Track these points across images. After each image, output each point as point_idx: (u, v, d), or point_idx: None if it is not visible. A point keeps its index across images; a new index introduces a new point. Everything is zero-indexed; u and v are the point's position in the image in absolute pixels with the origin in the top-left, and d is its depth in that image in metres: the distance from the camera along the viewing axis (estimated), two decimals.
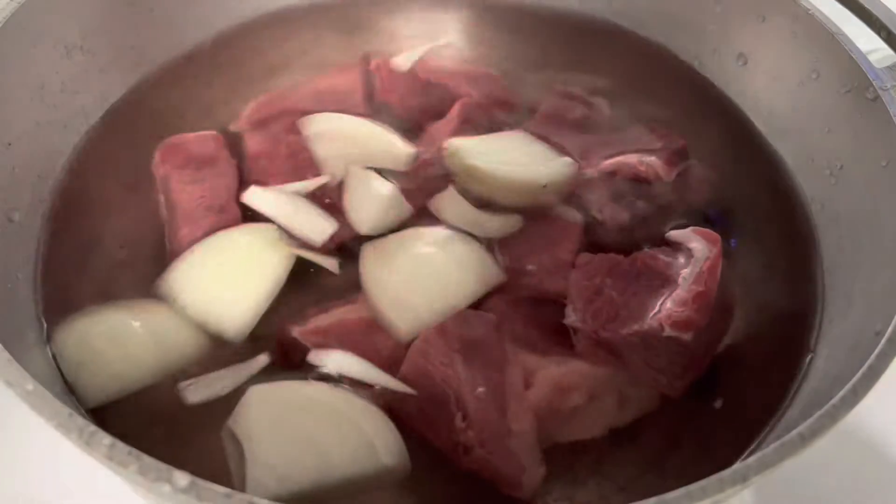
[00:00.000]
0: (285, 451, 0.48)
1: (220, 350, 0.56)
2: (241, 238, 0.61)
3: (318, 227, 0.62)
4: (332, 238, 0.62)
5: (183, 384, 0.52)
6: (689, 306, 0.54)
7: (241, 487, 0.47)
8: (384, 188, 0.65)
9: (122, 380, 0.53)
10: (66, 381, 0.53)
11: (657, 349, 0.54)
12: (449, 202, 0.65)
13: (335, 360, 0.54)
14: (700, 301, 0.54)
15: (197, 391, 0.52)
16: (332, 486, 0.48)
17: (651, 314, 0.55)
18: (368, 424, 0.51)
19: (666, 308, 0.54)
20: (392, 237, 0.62)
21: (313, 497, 0.47)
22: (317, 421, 0.50)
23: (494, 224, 0.64)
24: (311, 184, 0.66)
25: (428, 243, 0.60)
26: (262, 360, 0.53)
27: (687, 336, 0.54)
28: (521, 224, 0.64)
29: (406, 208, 0.65)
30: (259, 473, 0.47)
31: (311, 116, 0.70)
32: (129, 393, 0.53)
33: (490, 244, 0.62)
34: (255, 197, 0.64)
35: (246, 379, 0.53)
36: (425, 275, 0.58)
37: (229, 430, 0.50)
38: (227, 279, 0.58)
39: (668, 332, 0.54)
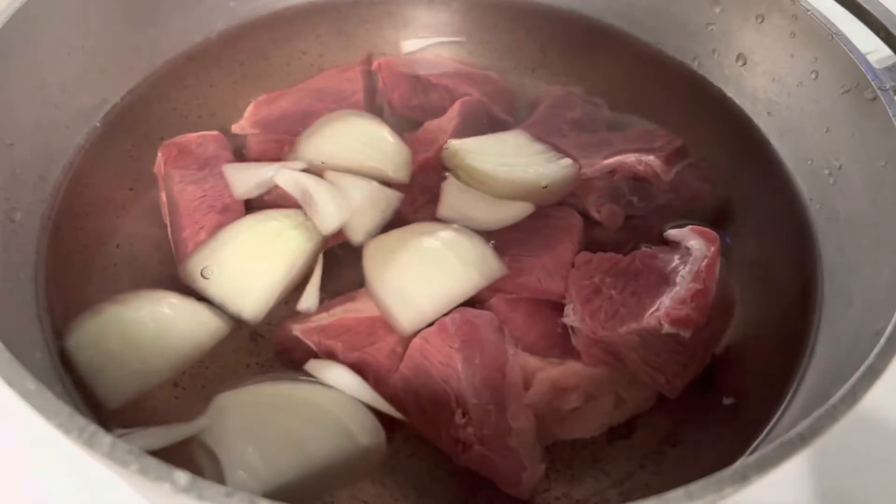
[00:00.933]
0: (262, 451, 0.48)
1: (227, 342, 0.57)
2: (269, 222, 0.61)
3: (329, 215, 0.62)
4: (331, 237, 0.63)
5: (117, 432, 0.50)
6: (688, 304, 0.54)
7: None
8: (357, 194, 0.64)
9: (140, 377, 0.54)
10: (83, 385, 0.53)
11: (656, 347, 0.54)
12: (451, 191, 0.65)
13: (333, 375, 0.54)
14: (698, 299, 0.55)
15: (128, 442, 0.50)
16: (316, 477, 0.48)
17: (649, 312, 0.55)
18: (340, 409, 0.51)
19: (664, 306, 0.55)
20: (395, 233, 0.62)
21: (300, 491, 0.47)
22: (289, 415, 0.50)
23: (500, 213, 0.64)
24: (286, 167, 0.66)
25: (430, 238, 0.60)
26: (202, 422, 0.51)
27: (685, 334, 0.54)
28: (532, 210, 0.64)
29: (393, 197, 0.65)
30: (239, 477, 0.47)
31: (305, 139, 0.69)
32: (148, 389, 0.54)
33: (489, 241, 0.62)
34: (282, 175, 0.64)
35: (179, 440, 0.50)
36: (427, 269, 0.58)
37: (200, 443, 0.50)
38: (251, 261, 0.59)
39: (666, 329, 0.54)
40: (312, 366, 0.54)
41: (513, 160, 0.67)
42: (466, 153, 0.66)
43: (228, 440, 0.49)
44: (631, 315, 0.55)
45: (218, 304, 0.58)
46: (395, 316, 0.57)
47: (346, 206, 0.63)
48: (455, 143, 0.67)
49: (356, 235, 0.63)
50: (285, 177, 0.65)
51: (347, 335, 0.56)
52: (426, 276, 0.58)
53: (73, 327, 0.55)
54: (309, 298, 0.59)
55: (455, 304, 0.57)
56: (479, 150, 0.67)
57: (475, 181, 0.66)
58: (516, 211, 0.65)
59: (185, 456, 0.50)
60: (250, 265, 0.59)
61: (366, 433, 0.50)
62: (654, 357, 0.55)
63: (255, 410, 0.51)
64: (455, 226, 0.62)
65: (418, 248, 0.59)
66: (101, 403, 0.52)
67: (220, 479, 0.48)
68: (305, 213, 0.63)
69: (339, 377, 0.54)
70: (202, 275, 0.59)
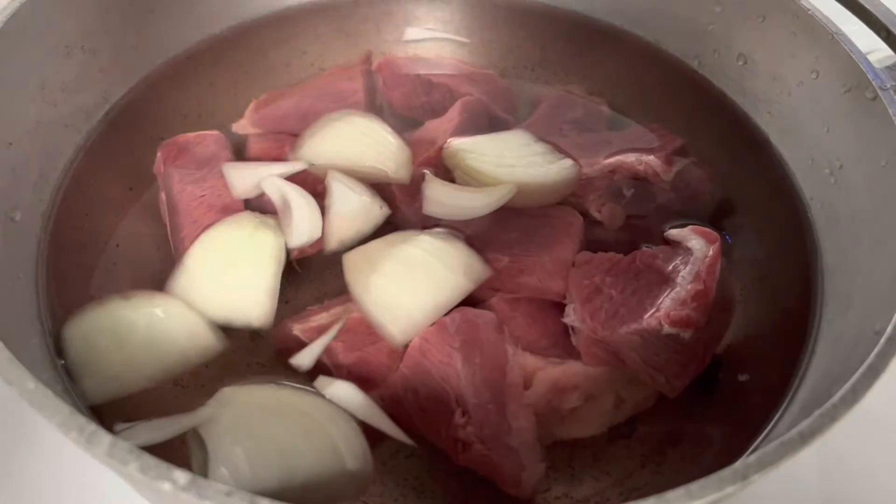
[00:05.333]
0: (249, 452, 0.48)
1: (219, 357, 0.57)
2: (227, 231, 0.61)
3: (299, 231, 0.62)
4: (307, 247, 0.62)
5: (119, 426, 0.50)
6: (688, 305, 0.54)
7: None
8: (342, 203, 0.64)
9: (119, 382, 0.53)
10: (69, 374, 0.53)
11: (656, 347, 0.54)
12: (431, 188, 0.65)
13: (339, 392, 0.53)
14: (699, 300, 0.55)
15: (131, 435, 0.50)
16: (296, 490, 0.48)
17: (650, 313, 0.55)
18: (335, 429, 0.51)
19: (665, 307, 0.55)
20: (374, 244, 0.61)
21: (277, 500, 0.47)
22: (283, 423, 0.50)
23: (485, 198, 0.64)
24: (286, 167, 0.66)
25: (411, 246, 0.59)
26: (205, 412, 0.51)
27: (686, 334, 0.54)
28: (514, 192, 0.64)
29: (378, 215, 0.64)
30: (222, 475, 0.47)
31: (306, 139, 0.69)
32: (125, 395, 0.53)
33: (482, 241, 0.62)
34: (268, 183, 0.64)
35: (184, 430, 0.51)
36: (413, 277, 0.58)
37: (195, 431, 0.50)
38: (232, 273, 0.58)
39: (666, 330, 0.54)
40: (322, 382, 0.54)
41: (513, 161, 0.67)
42: (466, 153, 0.66)
43: (221, 435, 0.49)
44: (631, 315, 0.55)
45: (222, 322, 0.57)
46: (387, 327, 0.56)
47: (319, 225, 0.63)
48: (455, 143, 0.67)
49: (329, 243, 0.63)
50: (271, 185, 0.64)
51: (347, 335, 0.56)
52: (413, 286, 0.57)
53: (73, 316, 0.55)
54: (307, 357, 0.56)
55: (445, 311, 0.57)
56: (479, 150, 0.67)
57: (475, 181, 0.66)
58: (499, 194, 0.64)
59: (179, 442, 0.50)
60: (235, 276, 0.58)
61: (354, 457, 0.50)
62: (654, 357, 0.55)
63: (252, 412, 0.51)
64: (435, 230, 0.62)
65: (401, 258, 0.58)
66: (80, 395, 0.52)
67: (204, 469, 0.48)
68: (257, 213, 0.63)
69: (347, 395, 0.53)
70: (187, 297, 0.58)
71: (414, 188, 0.67)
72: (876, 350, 0.43)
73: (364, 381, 0.54)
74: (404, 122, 0.74)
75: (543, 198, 0.66)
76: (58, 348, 0.54)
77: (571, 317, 0.57)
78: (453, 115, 0.72)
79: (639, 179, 0.68)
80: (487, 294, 0.59)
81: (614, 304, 0.56)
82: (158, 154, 0.67)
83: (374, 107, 0.75)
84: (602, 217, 0.65)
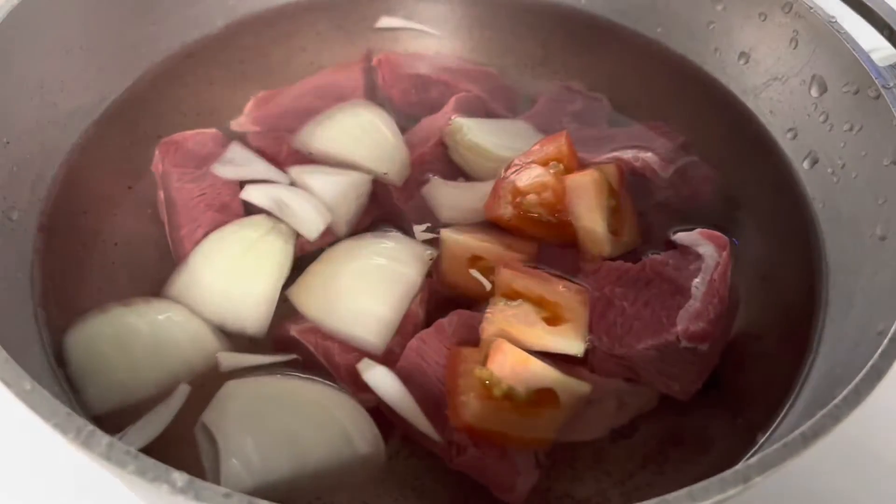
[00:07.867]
0: (260, 443, 0.48)
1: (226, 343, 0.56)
2: (238, 233, 0.61)
3: (311, 221, 0.62)
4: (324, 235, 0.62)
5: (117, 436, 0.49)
6: (704, 318, 0.53)
7: (216, 483, 0.46)
8: (330, 190, 0.64)
9: (124, 388, 0.53)
10: (72, 385, 0.52)
11: (672, 359, 0.54)
12: (437, 193, 0.66)
13: (376, 378, 0.53)
14: (715, 311, 0.54)
15: (131, 439, 0.50)
16: (309, 477, 0.48)
17: (667, 328, 0.54)
18: (343, 414, 0.51)
19: (682, 321, 0.54)
20: (311, 269, 0.60)
21: (290, 489, 0.47)
22: (292, 412, 0.50)
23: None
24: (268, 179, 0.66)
25: (352, 258, 0.59)
26: (183, 389, 0.52)
27: (703, 347, 0.54)
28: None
29: (364, 182, 0.65)
30: (233, 466, 0.47)
31: (306, 137, 0.69)
32: (132, 401, 0.52)
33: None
34: (251, 192, 0.64)
35: (174, 414, 0.51)
36: (366, 283, 0.57)
37: (203, 426, 0.50)
38: (235, 276, 0.58)
39: (685, 344, 0.53)
40: (364, 365, 0.54)
41: (511, 143, 0.68)
42: (469, 129, 0.67)
43: (229, 427, 0.49)
44: (647, 330, 0.55)
45: (217, 323, 0.57)
46: (366, 339, 0.55)
47: (324, 207, 0.63)
48: (460, 120, 0.68)
49: (339, 229, 0.63)
50: (256, 194, 0.64)
51: None
52: (370, 291, 0.57)
53: (75, 324, 0.55)
54: (232, 360, 0.55)
55: (409, 301, 0.57)
56: (483, 129, 0.68)
57: (477, 156, 0.67)
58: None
59: (189, 440, 0.50)
60: (238, 279, 0.58)
61: (365, 441, 0.50)
62: (670, 368, 0.54)
63: (259, 402, 0.51)
64: (369, 234, 0.62)
65: (348, 270, 0.58)
66: (85, 405, 0.51)
67: (215, 463, 0.48)
68: (273, 217, 0.63)
69: (384, 383, 0.53)
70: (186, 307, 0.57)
71: (410, 184, 0.67)
72: (879, 351, 0.43)
73: (362, 380, 0.54)
74: (404, 119, 0.73)
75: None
76: (59, 357, 0.54)
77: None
78: (447, 111, 0.72)
79: (636, 176, 0.67)
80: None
81: (628, 318, 0.55)
82: (157, 152, 0.66)
83: (375, 103, 0.75)
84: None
